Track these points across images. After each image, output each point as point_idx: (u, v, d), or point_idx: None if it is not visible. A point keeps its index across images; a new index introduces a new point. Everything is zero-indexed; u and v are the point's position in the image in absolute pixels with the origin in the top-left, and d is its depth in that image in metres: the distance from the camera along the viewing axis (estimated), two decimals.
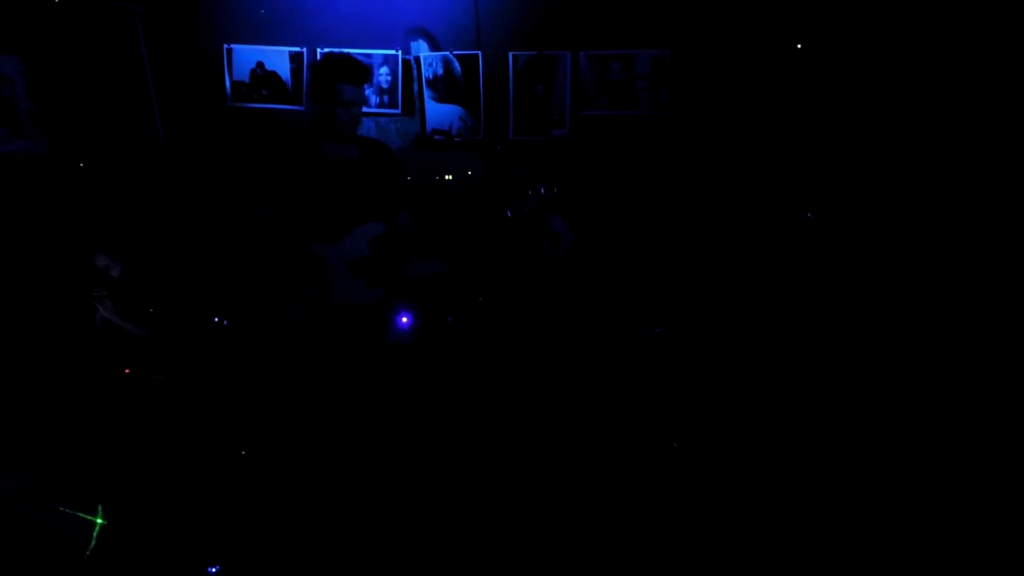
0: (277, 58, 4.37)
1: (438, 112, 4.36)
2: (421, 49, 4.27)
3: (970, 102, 3.69)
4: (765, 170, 4.07)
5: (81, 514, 2.53)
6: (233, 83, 4.43)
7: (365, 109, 4.37)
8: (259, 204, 2.88)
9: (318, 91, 2.83)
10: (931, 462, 3.14)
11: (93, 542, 2.49)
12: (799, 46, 3.88)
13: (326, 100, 2.82)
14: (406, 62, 4.31)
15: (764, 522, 2.91)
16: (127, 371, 3.83)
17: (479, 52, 4.21)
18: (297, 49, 4.34)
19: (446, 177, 4.34)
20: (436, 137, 4.34)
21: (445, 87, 4.31)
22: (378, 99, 4.38)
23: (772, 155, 4.05)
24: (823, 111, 3.94)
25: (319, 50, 4.27)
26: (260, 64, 4.39)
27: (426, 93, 4.35)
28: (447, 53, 4.25)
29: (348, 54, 2.89)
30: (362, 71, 2.85)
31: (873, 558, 2.72)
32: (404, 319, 3.89)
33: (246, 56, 4.38)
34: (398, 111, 4.40)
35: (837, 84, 3.89)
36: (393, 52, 4.29)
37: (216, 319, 3.89)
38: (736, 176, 4.11)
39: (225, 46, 4.37)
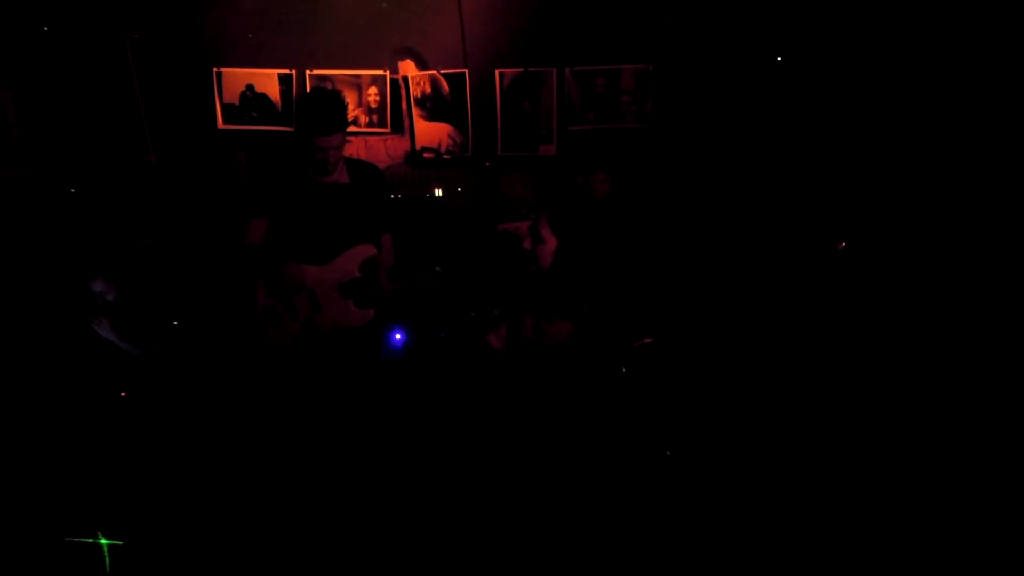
0: (266, 80, 4.41)
1: (427, 130, 4.41)
2: (409, 69, 4.33)
3: (954, 113, 3.75)
4: (750, 180, 4.13)
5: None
6: (223, 105, 4.47)
7: (355, 130, 4.45)
8: (250, 223, 2.92)
9: (298, 134, 2.87)
10: (930, 470, 3.17)
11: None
12: (779, 59, 3.95)
13: (304, 145, 2.84)
14: (394, 81, 4.37)
15: (757, 531, 2.95)
16: (123, 394, 3.84)
17: (466, 71, 4.27)
18: (286, 71, 4.39)
19: (436, 193, 4.39)
20: (426, 155, 4.39)
21: (433, 105, 4.37)
22: (367, 119, 4.43)
23: (757, 165, 4.12)
24: (806, 121, 4.01)
25: (308, 72, 4.32)
26: (250, 87, 4.43)
27: (415, 112, 4.40)
28: (434, 72, 4.31)
29: (326, 97, 2.89)
30: (337, 122, 2.81)
31: (867, 565, 2.76)
32: (398, 336, 3.92)
33: (236, 79, 4.43)
34: (387, 130, 4.45)
35: (818, 94, 3.96)
36: (381, 72, 4.35)
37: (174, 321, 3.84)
38: (721, 187, 4.17)
39: (215, 70, 4.41)
